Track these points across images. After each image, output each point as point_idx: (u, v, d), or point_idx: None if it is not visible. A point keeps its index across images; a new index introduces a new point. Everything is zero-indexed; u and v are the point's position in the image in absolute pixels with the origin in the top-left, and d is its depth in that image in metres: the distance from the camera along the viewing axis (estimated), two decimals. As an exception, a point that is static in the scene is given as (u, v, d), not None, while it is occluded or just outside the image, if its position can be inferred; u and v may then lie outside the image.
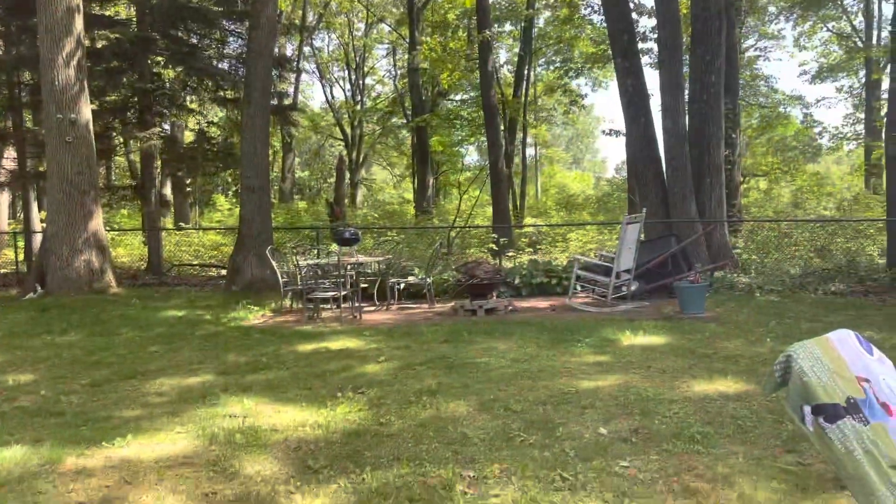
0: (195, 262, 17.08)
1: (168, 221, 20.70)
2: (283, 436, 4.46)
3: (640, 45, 17.24)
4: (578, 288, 10.19)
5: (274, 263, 9.87)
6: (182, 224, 20.96)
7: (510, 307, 9.42)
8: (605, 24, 16.61)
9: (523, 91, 25.40)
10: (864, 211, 16.74)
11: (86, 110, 12.13)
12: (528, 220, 20.98)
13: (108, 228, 14.59)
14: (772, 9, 27.56)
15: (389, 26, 32.39)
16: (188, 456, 4.15)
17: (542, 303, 10.15)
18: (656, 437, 4.22)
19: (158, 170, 16.36)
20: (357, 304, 9.50)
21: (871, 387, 2.83)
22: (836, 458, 2.59)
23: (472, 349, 6.91)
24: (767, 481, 3.54)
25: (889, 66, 12.51)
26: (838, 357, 2.84)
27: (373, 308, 10.13)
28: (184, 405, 5.19)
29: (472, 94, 27.84)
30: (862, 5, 27.94)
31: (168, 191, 20.48)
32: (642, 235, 10.18)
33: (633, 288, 9.75)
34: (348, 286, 9.44)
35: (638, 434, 4.29)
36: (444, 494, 3.47)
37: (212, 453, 4.17)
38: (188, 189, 21.94)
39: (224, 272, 13.97)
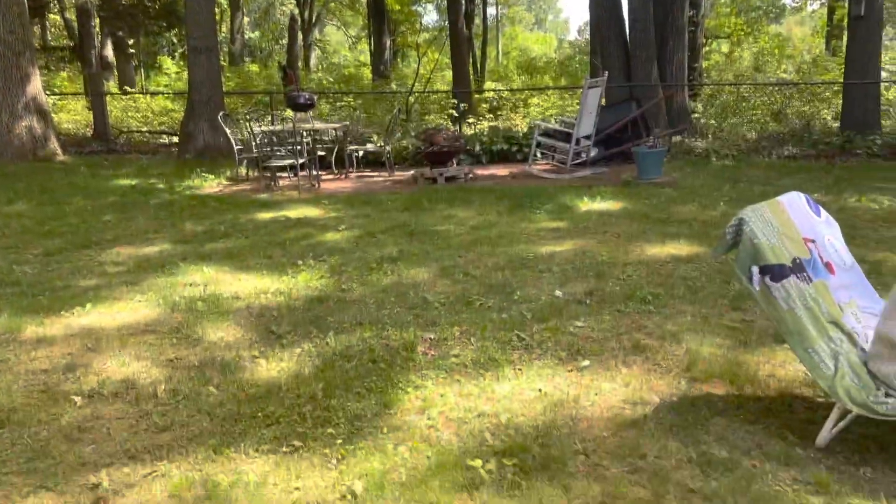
0: (144, 129, 16.47)
1: (112, 86, 19.68)
2: (245, 303, 4.49)
3: None
4: (538, 154, 10.16)
5: (227, 130, 9.58)
6: (127, 88, 19.98)
7: (470, 175, 9.39)
8: None
9: (484, -56, 24.08)
10: (822, 74, 16.73)
11: (11, -38, 11.16)
12: (488, 85, 20.51)
13: (48, 93, 13.86)
14: None
15: None
16: (150, 324, 4.17)
17: (502, 170, 10.13)
18: (610, 299, 4.37)
19: (97, 29, 15.37)
20: (315, 173, 9.37)
21: (817, 247, 2.93)
22: (778, 314, 2.72)
23: (432, 217, 6.94)
24: (713, 337, 3.73)
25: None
26: (788, 219, 2.92)
27: (331, 176, 10.01)
28: (142, 274, 5.17)
29: (430, -53, 26.29)
30: None
31: (109, 52, 19.36)
32: (603, 100, 10.07)
33: (592, 154, 9.76)
34: (305, 154, 9.26)
35: (592, 296, 4.43)
36: (405, 355, 3.59)
37: (174, 321, 4.20)
38: (131, 50, 20.78)
39: (175, 139, 13.54)
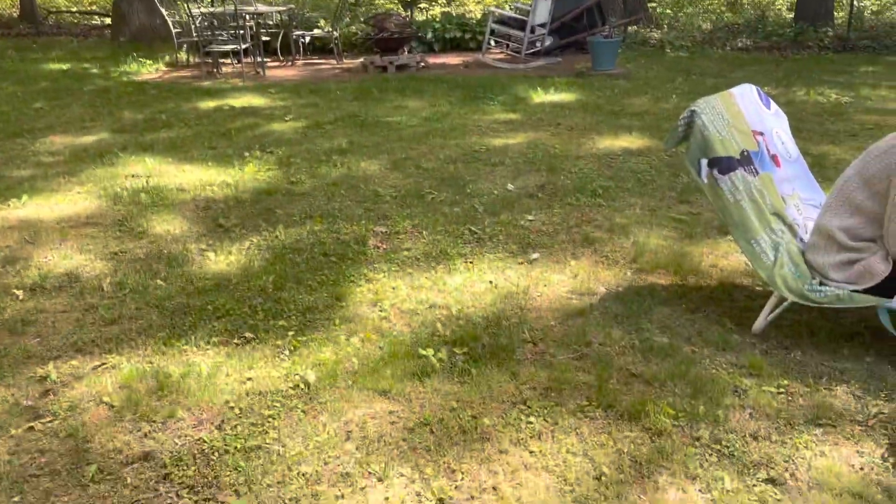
0: (74, 9, 15.41)
1: (35, -40, 18.17)
2: (191, 195, 4.38)
3: None
4: (492, 43, 9.89)
5: (164, 11, 9.01)
6: (52, -36, 18.47)
7: (422, 63, 9.12)
8: None
9: None
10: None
11: None
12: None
13: (-37, -33, 12.75)
14: None
15: None
16: (91, 216, 4.04)
17: (454, 59, 9.86)
18: (561, 192, 4.39)
19: None
20: (259, 59, 8.97)
21: (765, 140, 2.96)
22: (724, 206, 2.77)
23: (382, 107, 6.77)
24: (659, 229, 3.81)
25: None
26: (738, 112, 2.93)
27: (276, 63, 9.60)
28: (80, 164, 4.96)
29: None
30: None
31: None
32: (559, -14, 9.76)
33: (547, 43, 9.55)
34: (248, 39, 8.81)
35: (544, 190, 4.45)
36: (357, 249, 3.57)
37: (117, 213, 4.07)
38: (54, -79, 19.08)
39: (108, 21, 12.72)
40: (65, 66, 8.93)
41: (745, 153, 2.82)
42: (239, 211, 4.11)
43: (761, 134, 2.95)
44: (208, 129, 5.98)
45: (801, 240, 2.81)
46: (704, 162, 2.78)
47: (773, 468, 2.03)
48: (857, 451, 2.10)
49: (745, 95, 3.02)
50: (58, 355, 2.66)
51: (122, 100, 7.09)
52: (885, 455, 2.08)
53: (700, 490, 1.95)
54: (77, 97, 7.20)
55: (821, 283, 2.62)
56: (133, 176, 4.72)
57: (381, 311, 2.97)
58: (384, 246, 3.62)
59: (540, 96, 7.14)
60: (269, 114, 6.54)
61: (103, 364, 2.59)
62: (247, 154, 5.20)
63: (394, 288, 3.17)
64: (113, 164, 4.96)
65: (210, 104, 6.93)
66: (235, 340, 2.74)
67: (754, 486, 1.96)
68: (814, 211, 2.97)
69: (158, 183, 4.56)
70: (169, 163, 5.02)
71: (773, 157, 2.97)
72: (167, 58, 9.43)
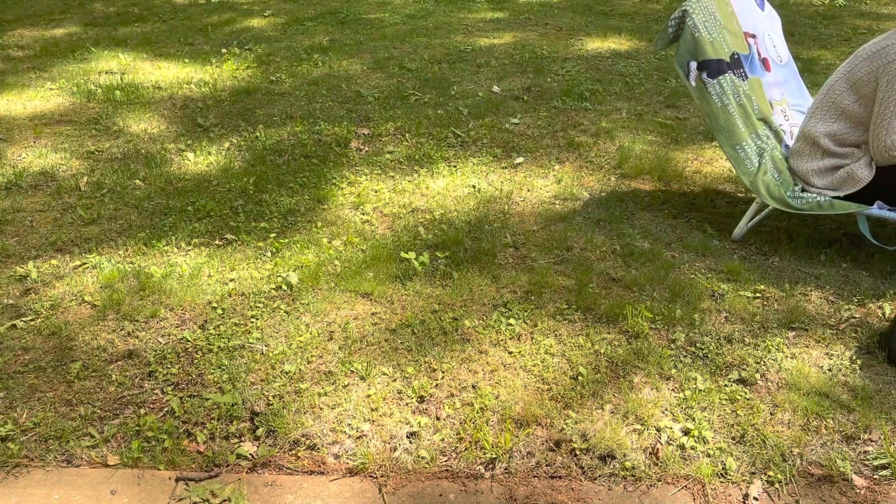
0: None
1: None
2: (168, 93, 4.25)
3: None
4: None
5: None
6: None
7: (406, -44, 8.72)
8: None
9: None
10: None
11: None
12: None
13: None
14: None
15: None
16: (65, 114, 3.92)
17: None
18: (547, 95, 4.31)
19: None
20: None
21: (756, 42, 2.89)
22: (711, 111, 2.73)
23: (364, 4, 6.51)
24: (645, 134, 3.77)
25: None
26: (731, 12, 2.84)
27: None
28: (51, 60, 4.78)
29: None
30: None
31: None
32: None
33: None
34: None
35: (530, 92, 4.36)
36: (339, 151, 3.52)
37: (91, 111, 3.96)
38: None
39: None
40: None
41: (736, 56, 2.76)
42: (217, 110, 4.01)
43: (753, 36, 2.88)
44: (183, 23, 5.75)
45: (787, 146, 2.80)
46: (694, 65, 2.72)
47: (744, 369, 2.09)
48: (827, 354, 2.17)
49: (740, -5, 2.92)
50: (37, 255, 2.64)
51: (91, -9, 6.77)
52: (854, 357, 2.14)
53: (673, 389, 2.02)
54: (44, -12, 6.86)
55: (803, 190, 2.63)
56: (107, 72, 4.56)
57: (362, 214, 2.96)
58: (366, 148, 3.57)
59: (529, -6, 6.90)
60: (246, 9, 6.29)
61: (84, 264, 2.58)
62: (224, 51, 5.03)
63: (376, 191, 3.14)
64: (85, 60, 4.78)
65: (185, -3, 6.63)
66: (217, 242, 2.73)
67: (725, 385, 2.03)
68: (801, 117, 2.94)
69: (133, 80, 4.42)
70: (143, 59, 4.84)
71: (764, 61, 2.91)
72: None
